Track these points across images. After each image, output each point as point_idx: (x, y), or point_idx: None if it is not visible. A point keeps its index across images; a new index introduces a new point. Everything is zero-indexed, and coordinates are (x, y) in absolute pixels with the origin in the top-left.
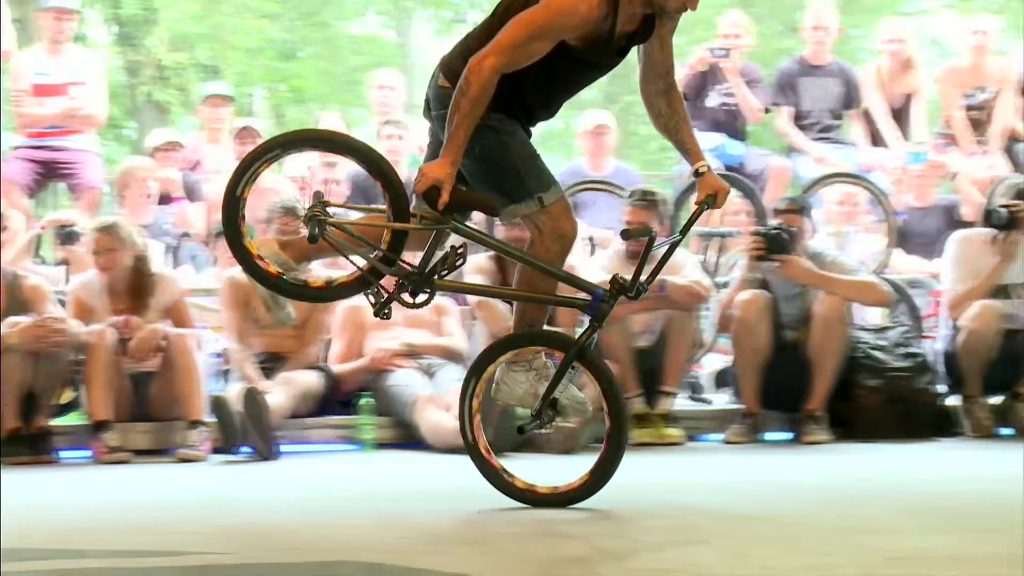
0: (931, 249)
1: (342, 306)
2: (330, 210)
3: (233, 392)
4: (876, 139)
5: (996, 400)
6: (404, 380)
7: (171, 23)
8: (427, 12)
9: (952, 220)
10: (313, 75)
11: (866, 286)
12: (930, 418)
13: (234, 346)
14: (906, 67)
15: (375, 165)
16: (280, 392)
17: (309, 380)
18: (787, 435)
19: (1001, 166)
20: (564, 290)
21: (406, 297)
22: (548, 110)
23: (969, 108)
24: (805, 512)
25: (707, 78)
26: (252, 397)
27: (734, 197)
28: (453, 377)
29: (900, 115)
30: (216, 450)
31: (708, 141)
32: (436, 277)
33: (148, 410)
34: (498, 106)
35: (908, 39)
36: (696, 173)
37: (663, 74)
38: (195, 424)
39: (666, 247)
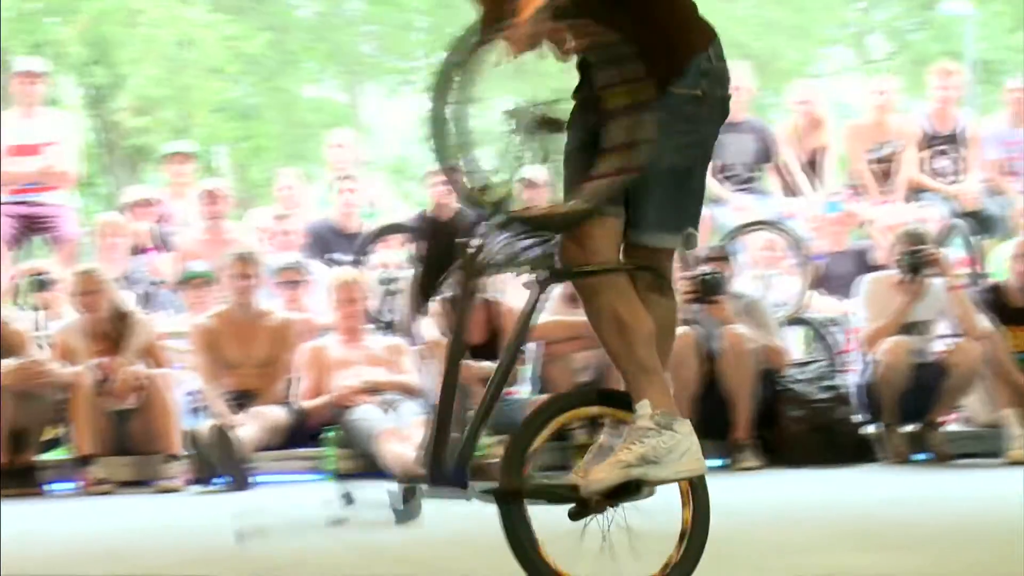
0: (846, 290)
1: (306, 345)
2: None
3: (204, 428)
4: (791, 190)
5: (910, 428)
6: (367, 415)
7: (138, 86)
8: (376, 78)
9: (864, 263)
10: (272, 134)
11: (771, 350)
12: (851, 445)
13: (205, 385)
14: (816, 125)
15: None
16: (250, 426)
17: (277, 415)
18: (720, 462)
19: (905, 213)
20: None
21: None
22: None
23: (874, 161)
24: (740, 533)
25: None
26: (221, 433)
27: None
28: (412, 411)
29: (812, 168)
30: (193, 481)
31: None
32: None
33: (129, 444)
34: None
35: (816, 99)
36: None
37: None
38: (173, 457)
39: None
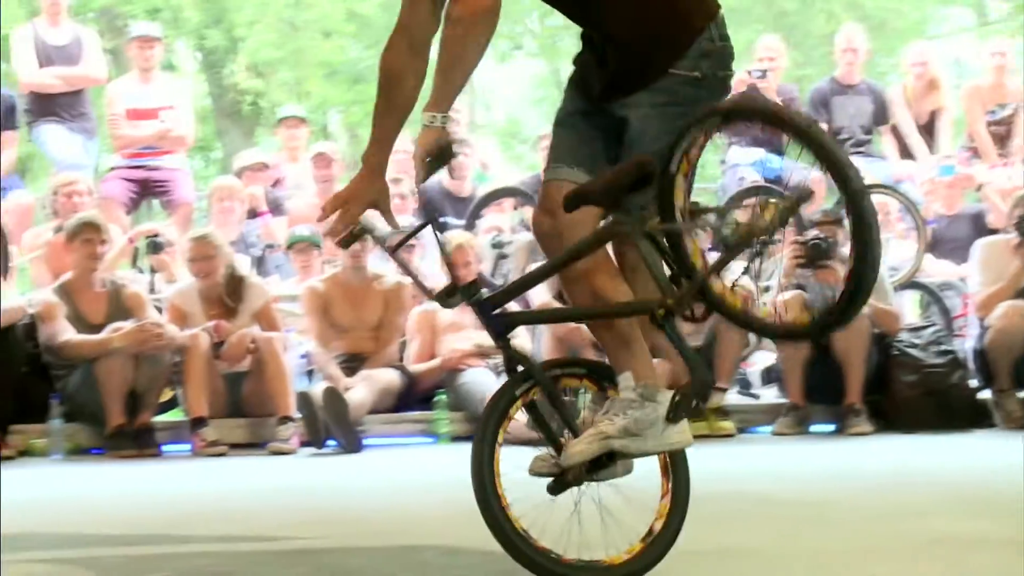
0: (960, 254)
1: (417, 309)
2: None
3: (316, 391)
4: (905, 153)
5: None
6: (476, 378)
7: (252, 50)
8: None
9: (979, 227)
10: None
11: (884, 314)
12: (964, 411)
13: (317, 348)
14: (931, 87)
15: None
16: (361, 389)
17: (388, 378)
18: (831, 427)
19: (1022, 177)
20: None
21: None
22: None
23: (992, 123)
24: (849, 498)
25: None
26: (332, 396)
27: None
28: None
29: (927, 130)
30: (305, 443)
31: (749, 155)
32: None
33: (242, 407)
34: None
35: (932, 61)
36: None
37: None
38: (285, 420)
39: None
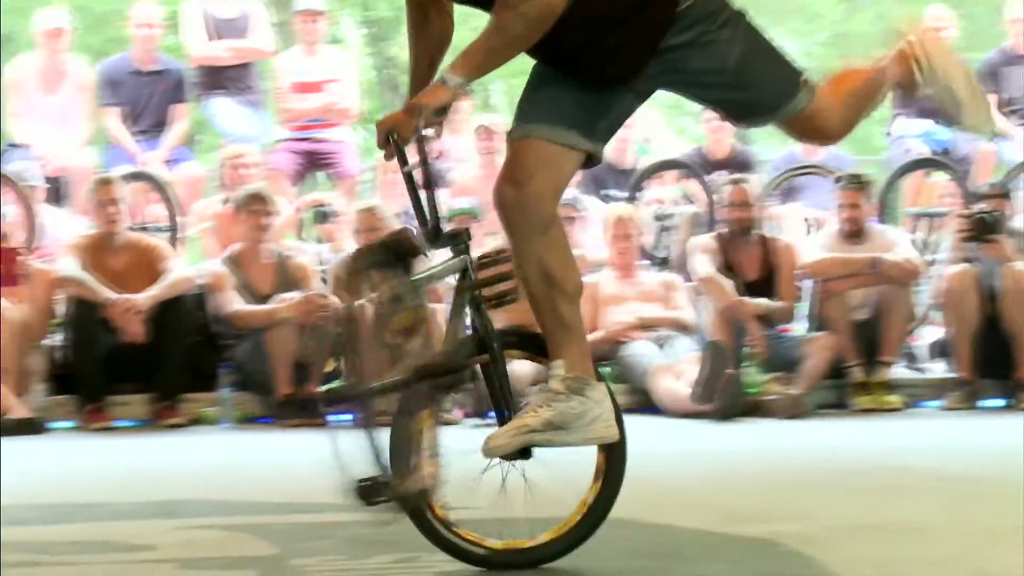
0: None
1: None
2: None
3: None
4: None
5: None
6: (640, 351)
7: None
8: None
9: None
10: None
11: None
12: None
13: None
14: None
15: None
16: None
17: None
18: (1002, 402)
19: None
20: None
21: None
22: None
23: None
24: (1019, 474)
25: None
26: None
27: (944, 180)
28: (685, 348)
29: None
30: (469, 414)
31: (917, 127)
32: None
33: None
34: None
35: None
36: None
37: None
38: None
39: None
